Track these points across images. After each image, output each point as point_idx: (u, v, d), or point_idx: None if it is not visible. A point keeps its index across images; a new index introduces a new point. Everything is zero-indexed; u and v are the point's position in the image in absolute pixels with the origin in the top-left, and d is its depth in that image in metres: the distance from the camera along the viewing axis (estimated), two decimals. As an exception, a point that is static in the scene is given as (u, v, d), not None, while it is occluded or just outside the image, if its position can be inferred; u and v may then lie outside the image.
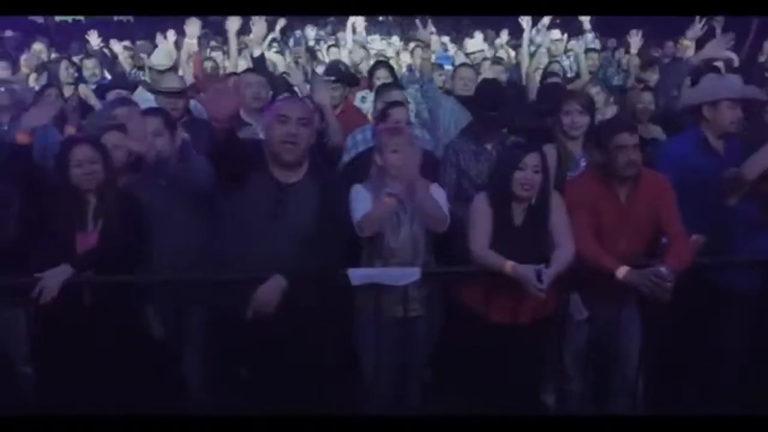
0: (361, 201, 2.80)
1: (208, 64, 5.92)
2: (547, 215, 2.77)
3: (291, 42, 7.86)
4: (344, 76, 4.46)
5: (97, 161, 2.82)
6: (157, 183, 2.98)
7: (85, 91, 5.47)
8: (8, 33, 7.89)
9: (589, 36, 6.87)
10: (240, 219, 2.63)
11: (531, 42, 6.57)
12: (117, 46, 7.02)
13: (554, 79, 5.23)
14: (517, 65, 6.56)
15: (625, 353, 2.97)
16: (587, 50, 6.23)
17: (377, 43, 9.38)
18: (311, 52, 6.62)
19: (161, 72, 4.70)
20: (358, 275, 2.67)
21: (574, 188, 2.92)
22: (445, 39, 7.75)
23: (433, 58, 7.09)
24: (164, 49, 4.88)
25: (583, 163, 3.21)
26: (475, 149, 3.35)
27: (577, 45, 6.68)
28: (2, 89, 4.19)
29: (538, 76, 5.57)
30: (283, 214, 2.62)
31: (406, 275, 2.70)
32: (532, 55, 6.43)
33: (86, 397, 2.65)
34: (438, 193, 2.89)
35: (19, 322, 2.99)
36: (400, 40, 9.51)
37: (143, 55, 6.36)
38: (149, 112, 3.13)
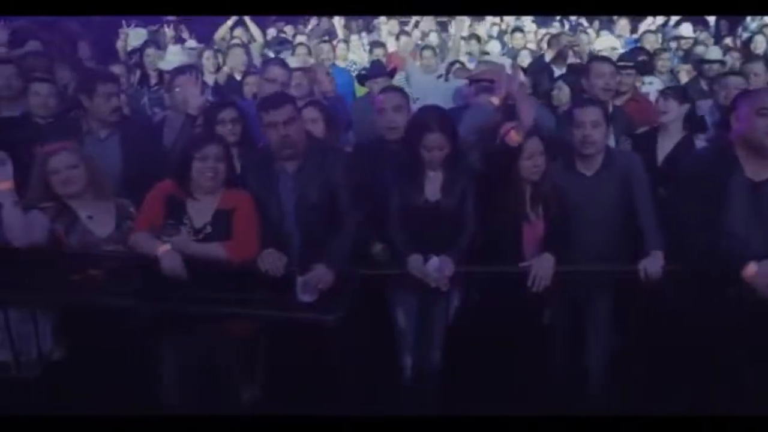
0: None
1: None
2: None
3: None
4: (638, 63, 4.43)
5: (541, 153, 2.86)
6: (580, 172, 3.02)
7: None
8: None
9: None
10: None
11: (745, 28, 6.43)
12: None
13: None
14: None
15: None
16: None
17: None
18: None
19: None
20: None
21: None
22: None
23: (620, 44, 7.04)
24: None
25: None
26: None
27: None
28: None
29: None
30: (760, 210, 2.65)
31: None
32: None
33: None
34: None
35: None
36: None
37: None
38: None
